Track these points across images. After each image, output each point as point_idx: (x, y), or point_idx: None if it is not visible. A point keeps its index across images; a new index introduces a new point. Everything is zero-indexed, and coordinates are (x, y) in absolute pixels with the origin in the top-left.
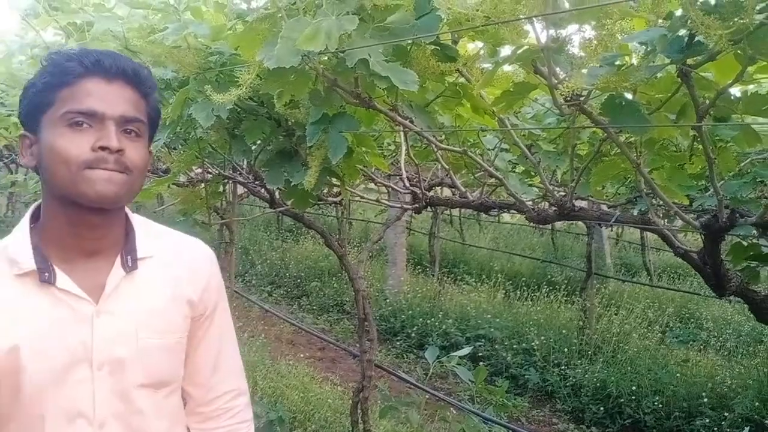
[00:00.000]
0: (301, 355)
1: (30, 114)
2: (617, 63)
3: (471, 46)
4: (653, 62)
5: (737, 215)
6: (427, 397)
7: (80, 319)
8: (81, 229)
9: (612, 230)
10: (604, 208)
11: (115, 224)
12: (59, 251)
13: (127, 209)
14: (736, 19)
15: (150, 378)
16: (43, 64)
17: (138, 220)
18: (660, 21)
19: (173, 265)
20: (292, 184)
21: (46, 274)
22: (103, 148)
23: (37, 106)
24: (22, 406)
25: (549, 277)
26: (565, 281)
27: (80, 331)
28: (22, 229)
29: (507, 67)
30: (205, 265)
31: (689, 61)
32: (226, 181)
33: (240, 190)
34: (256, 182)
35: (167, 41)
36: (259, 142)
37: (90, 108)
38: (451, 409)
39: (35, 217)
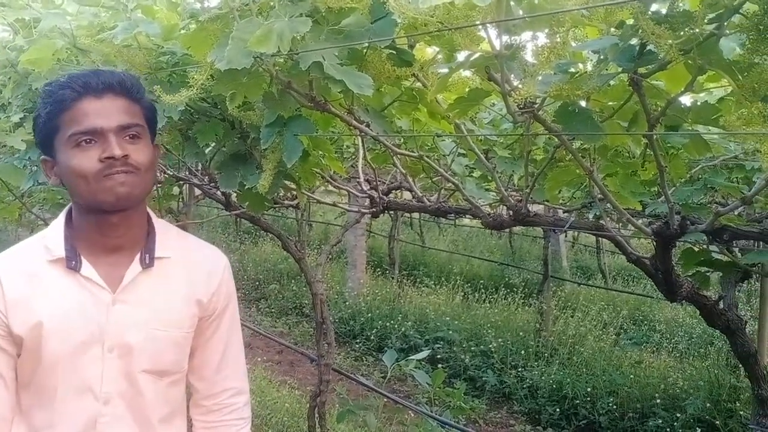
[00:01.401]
0: (259, 359)
1: (44, 141)
2: (571, 70)
3: (429, 50)
4: (605, 71)
5: (688, 222)
6: (385, 400)
7: (98, 305)
8: (104, 229)
9: (568, 234)
10: (560, 212)
11: (135, 224)
12: (86, 246)
13: (151, 213)
14: (686, 29)
15: (154, 365)
16: (41, 94)
17: (160, 224)
18: (612, 30)
19: (189, 268)
20: (247, 187)
21: (73, 261)
22: (109, 158)
23: (48, 134)
24: (39, 376)
25: (507, 279)
26: (523, 284)
27: (97, 315)
28: (59, 224)
29: (466, 72)
30: (219, 271)
31: (640, 70)
32: (180, 182)
33: (197, 191)
34: (211, 184)
35: (117, 40)
36: (213, 144)
37: (90, 126)
38: (409, 412)
39: (70, 216)
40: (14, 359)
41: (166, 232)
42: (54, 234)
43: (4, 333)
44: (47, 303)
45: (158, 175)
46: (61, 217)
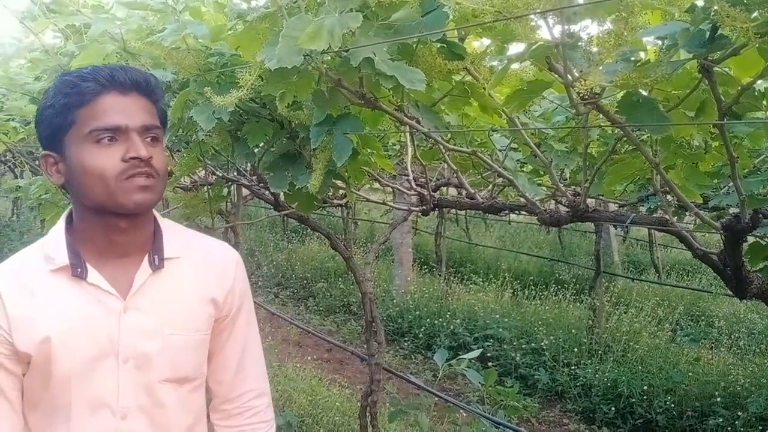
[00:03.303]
0: (309, 357)
1: (53, 135)
2: (632, 59)
3: (476, 44)
4: (674, 57)
5: (760, 215)
6: (436, 399)
7: (108, 314)
8: (112, 233)
9: (619, 228)
10: (613, 206)
11: (143, 226)
12: (92, 251)
13: (155, 212)
14: (763, 11)
15: (175, 373)
16: (56, 84)
17: (167, 224)
18: (676, 15)
19: (200, 267)
20: (297, 187)
21: (78, 269)
22: (134, 158)
23: (58, 127)
24: (50, 394)
25: (557, 275)
26: (574, 279)
27: (108, 325)
28: (58, 230)
29: (515, 66)
30: (231, 268)
31: (711, 56)
32: (230, 183)
33: (245, 191)
34: (260, 185)
35: (166, 42)
36: (262, 144)
37: (113, 123)
38: (461, 411)
39: (70, 220)
40: (20, 380)
41: (173, 231)
42: (54, 241)
43: (8, 353)
44: (53, 316)
45: (207, 177)
46: (61, 223)
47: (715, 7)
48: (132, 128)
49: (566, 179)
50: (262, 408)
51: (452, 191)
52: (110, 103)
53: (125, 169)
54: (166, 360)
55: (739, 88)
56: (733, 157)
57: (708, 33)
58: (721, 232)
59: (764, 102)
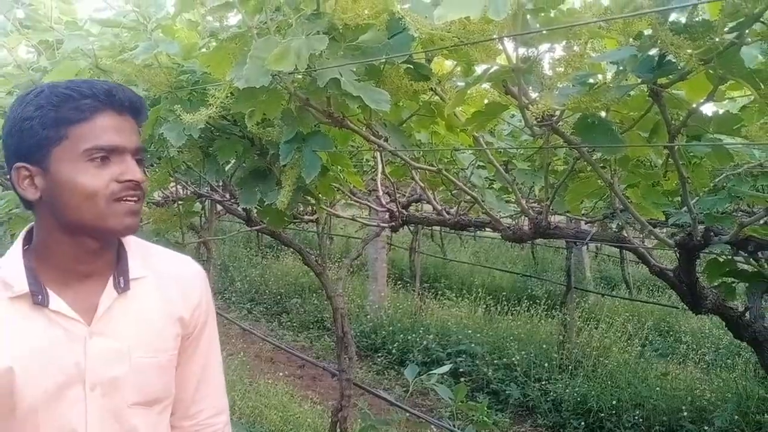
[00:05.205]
0: (281, 374)
1: (34, 147)
2: (591, 81)
3: (448, 63)
4: (624, 82)
5: (712, 233)
6: (407, 415)
7: (73, 340)
8: (82, 254)
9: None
10: (583, 223)
11: (111, 247)
12: (53, 274)
13: None
14: (706, 39)
15: (144, 396)
16: (42, 95)
17: (128, 241)
18: (631, 41)
19: (166, 284)
20: (266, 203)
21: (39, 296)
22: (129, 181)
23: (45, 140)
24: (16, 425)
25: (529, 291)
26: (546, 295)
27: (73, 352)
28: (15, 253)
29: (485, 85)
30: (196, 284)
31: (660, 81)
32: (202, 199)
33: (218, 207)
34: (233, 200)
35: (138, 60)
36: (234, 160)
37: (111, 144)
38: (432, 427)
39: (27, 241)
40: None
41: (135, 249)
42: (12, 266)
43: None
44: (15, 346)
45: (180, 191)
46: (17, 246)
47: (661, 36)
48: (128, 149)
49: (535, 196)
50: (220, 426)
51: (428, 207)
52: (107, 121)
53: (117, 190)
54: (134, 384)
55: (687, 111)
56: (683, 177)
57: (656, 59)
58: (675, 249)
59: (711, 125)
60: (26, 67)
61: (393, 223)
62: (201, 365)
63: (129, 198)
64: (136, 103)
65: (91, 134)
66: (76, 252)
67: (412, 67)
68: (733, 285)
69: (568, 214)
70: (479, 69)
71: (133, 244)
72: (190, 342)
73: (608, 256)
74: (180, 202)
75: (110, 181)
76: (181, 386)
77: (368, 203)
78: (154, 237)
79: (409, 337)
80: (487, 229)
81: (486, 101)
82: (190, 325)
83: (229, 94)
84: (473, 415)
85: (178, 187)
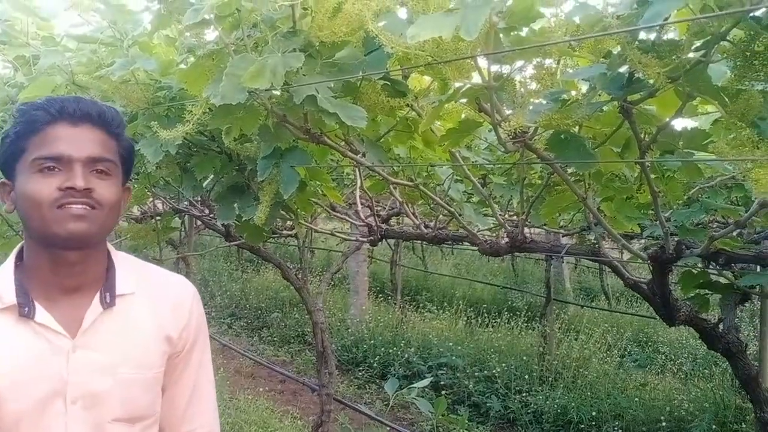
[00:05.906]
0: (261, 389)
1: (6, 163)
2: (564, 97)
3: (427, 79)
4: (596, 99)
5: (684, 246)
6: (387, 429)
7: (57, 353)
8: (60, 267)
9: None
10: (561, 236)
11: (94, 261)
12: (41, 288)
13: (110, 246)
14: (673, 57)
15: (126, 412)
16: (14, 115)
17: (121, 257)
18: (601, 59)
19: (155, 302)
20: (244, 218)
21: (26, 308)
22: (69, 188)
23: (11, 155)
24: None
25: (510, 303)
26: (526, 307)
27: (57, 365)
28: (7, 267)
29: (463, 100)
30: (187, 303)
31: (630, 98)
32: (180, 214)
33: (198, 222)
34: (211, 215)
35: (114, 76)
36: (212, 176)
37: (57, 152)
38: None
39: (20, 256)
40: None
41: (127, 266)
42: (3, 279)
43: None
44: (0, 359)
45: (159, 206)
46: (10, 260)
47: (629, 55)
48: (76, 159)
49: (513, 209)
50: None
51: (408, 220)
52: (58, 132)
53: (59, 197)
54: (116, 399)
55: (656, 126)
56: (654, 191)
57: (626, 77)
58: (648, 262)
59: (680, 141)
60: (2, 83)
61: (371, 238)
62: (191, 384)
63: (71, 204)
64: (92, 113)
65: (42, 144)
66: (52, 264)
67: (388, 83)
68: (707, 297)
69: (546, 227)
70: (457, 85)
71: (127, 262)
72: (179, 360)
73: (587, 267)
74: (158, 218)
75: (54, 189)
76: (171, 404)
77: (348, 217)
78: (132, 253)
79: (391, 351)
80: (465, 243)
81: (463, 116)
82: (178, 344)
83: (206, 111)
84: (454, 428)
85: (157, 202)
